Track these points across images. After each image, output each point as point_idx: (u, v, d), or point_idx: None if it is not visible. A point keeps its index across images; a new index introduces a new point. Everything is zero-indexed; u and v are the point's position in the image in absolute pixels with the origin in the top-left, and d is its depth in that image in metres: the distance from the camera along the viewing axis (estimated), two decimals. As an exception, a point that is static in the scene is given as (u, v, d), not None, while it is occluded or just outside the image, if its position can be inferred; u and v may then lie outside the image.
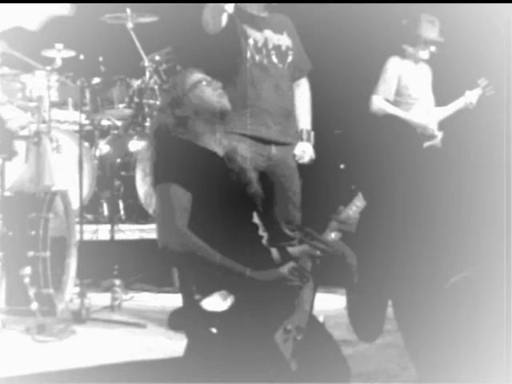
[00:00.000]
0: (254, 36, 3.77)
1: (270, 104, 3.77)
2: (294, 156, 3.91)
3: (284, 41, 3.86)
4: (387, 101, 4.78)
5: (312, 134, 4.00)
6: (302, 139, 3.94)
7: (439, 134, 4.87)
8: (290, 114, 3.90)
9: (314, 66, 4.10)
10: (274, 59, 3.81)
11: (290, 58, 3.86)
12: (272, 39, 3.81)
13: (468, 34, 4.93)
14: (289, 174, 3.90)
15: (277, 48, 3.83)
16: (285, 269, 2.51)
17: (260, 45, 3.78)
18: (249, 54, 3.74)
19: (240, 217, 2.66)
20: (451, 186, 2.39)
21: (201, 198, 2.57)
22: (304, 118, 4.02)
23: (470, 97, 4.90)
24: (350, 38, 5.39)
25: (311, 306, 2.55)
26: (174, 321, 2.52)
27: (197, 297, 2.54)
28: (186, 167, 2.59)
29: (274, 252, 2.70)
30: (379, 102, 4.78)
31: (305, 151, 3.93)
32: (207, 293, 2.53)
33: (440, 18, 4.82)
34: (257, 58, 3.76)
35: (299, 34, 3.99)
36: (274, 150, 3.80)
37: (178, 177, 2.56)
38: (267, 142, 3.78)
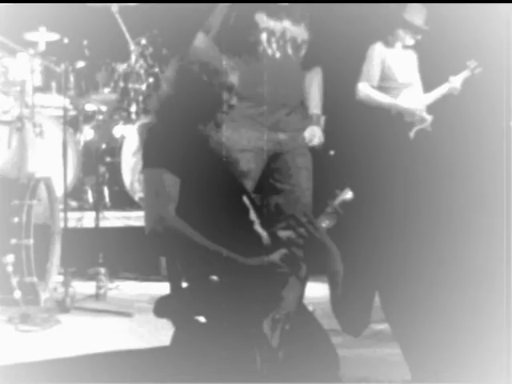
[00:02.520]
0: (272, 26, 3.75)
1: (278, 94, 3.75)
2: (304, 139, 3.95)
3: (300, 33, 3.84)
4: (373, 87, 4.75)
5: (322, 118, 4.05)
6: (312, 123, 4.00)
7: (429, 118, 4.83)
8: (298, 104, 3.91)
9: None
10: (289, 51, 3.81)
11: (303, 51, 3.86)
12: (290, 30, 3.79)
13: (468, 34, 4.89)
14: (301, 161, 3.92)
15: (292, 40, 3.82)
16: (276, 256, 2.47)
17: (278, 35, 3.76)
18: (264, 45, 3.73)
19: (228, 201, 2.61)
20: (442, 180, 2.36)
21: (189, 183, 2.52)
22: (314, 103, 4.07)
23: (454, 82, 4.87)
24: (337, 23, 5.35)
25: (301, 295, 2.50)
26: (160, 308, 2.47)
27: (183, 284, 2.51)
28: (174, 152, 2.53)
29: (265, 237, 2.65)
30: (366, 89, 4.74)
31: (314, 134, 4.00)
32: (194, 279, 2.49)
33: (439, 17, 4.77)
34: (270, 49, 3.75)
35: None
36: (281, 136, 3.81)
37: (166, 161, 2.50)
38: (273, 128, 3.78)
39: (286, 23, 3.79)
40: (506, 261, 2.00)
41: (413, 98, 4.82)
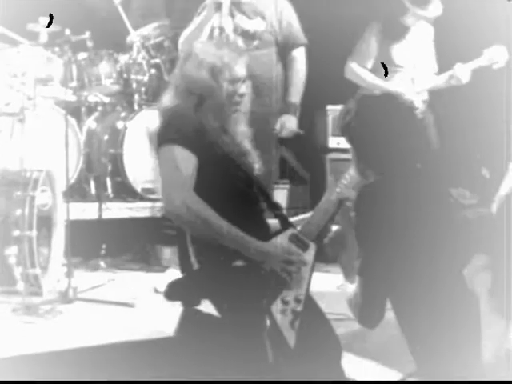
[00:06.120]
0: (222, 24, 4.14)
1: None
2: (273, 130, 4.06)
3: (254, 25, 4.16)
4: (364, 67, 4.63)
5: (297, 106, 4.14)
6: (287, 111, 4.10)
7: (420, 105, 4.61)
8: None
9: (308, 39, 4.34)
10: (239, 42, 4.11)
11: (256, 41, 4.18)
12: (242, 25, 4.17)
13: (467, 34, 4.82)
14: None
15: (245, 33, 4.16)
16: (284, 238, 2.48)
17: (228, 31, 4.16)
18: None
19: (239, 190, 2.62)
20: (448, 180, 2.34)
21: (203, 164, 2.53)
22: (292, 89, 4.24)
23: (458, 71, 4.53)
24: (350, 10, 5.33)
25: (309, 278, 2.51)
26: (172, 291, 2.46)
27: (196, 267, 2.51)
28: (190, 131, 2.56)
29: (274, 221, 2.67)
30: (354, 67, 4.63)
31: (283, 125, 4.09)
32: (208, 261, 2.49)
33: (439, 17, 4.65)
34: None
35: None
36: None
37: (183, 140, 2.52)
38: None
39: (239, 19, 4.17)
40: (506, 260, 1.99)
41: (407, 82, 4.64)
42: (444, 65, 4.70)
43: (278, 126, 4.23)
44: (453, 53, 4.72)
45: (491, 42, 4.44)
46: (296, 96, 4.29)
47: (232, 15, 4.17)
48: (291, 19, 4.31)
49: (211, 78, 2.64)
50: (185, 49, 4.05)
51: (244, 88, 2.71)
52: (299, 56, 4.33)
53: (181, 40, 4.38)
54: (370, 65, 4.64)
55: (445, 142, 4.67)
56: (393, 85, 4.57)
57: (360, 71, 4.62)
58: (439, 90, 4.68)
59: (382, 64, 4.63)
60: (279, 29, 4.25)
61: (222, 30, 4.15)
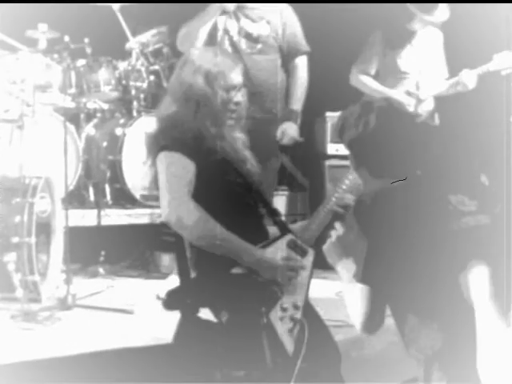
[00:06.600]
0: (228, 26, 4.19)
1: None
2: (275, 137, 4.07)
3: (258, 28, 4.21)
4: (368, 74, 4.63)
5: (298, 114, 4.16)
6: (288, 119, 4.12)
7: (423, 112, 4.59)
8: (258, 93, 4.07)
9: (310, 46, 4.38)
10: (243, 46, 4.17)
11: (259, 45, 4.21)
12: (246, 28, 4.20)
13: (468, 34, 4.82)
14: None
15: (248, 35, 4.18)
16: (283, 244, 2.50)
17: (232, 33, 4.19)
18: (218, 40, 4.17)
19: (237, 196, 2.63)
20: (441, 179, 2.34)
21: (202, 170, 2.55)
22: (294, 97, 4.27)
23: (465, 77, 4.47)
24: (349, 18, 5.34)
25: (308, 284, 2.53)
26: (171, 300, 2.47)
27: (193, 275, 2.52)
28: (189, 138, 2.58)
29: (274, 228, 2.68)
30: (359, 75, 4.64)
31: (284, 132, 4.12)
32: (207, 269, 2.51)
33: (448, 22, 4.64)
34: (223, 45, 4.14)
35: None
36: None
37: (181, 146, 2.53)
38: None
39: (244, 22, 4.20)
40: (506, 267, 2.00)
41: (411, 89, 4.62)
42: (453, 70, 4.68)
43: (279, 134, 4.23)
44: (461, 58, 4.71)
45: (500, 47, 4.43)
46: (297, 103, 4.31)
47: (237, 18, 4.20)
48: (295, 28, 4.34)
49: (206, 84, 2.64)
50: (184, 49, 4.05)
51: (239, 96, 2.69)
52: (301, 64, 4.35)
53: (179, 41, 4.31)
54: (374, 72, 4.65)
55: (446, 149, 4.65)
56: (397, 92, 4.57)
57: (364, 79, 4.63)
58: (444, 96, 4.67)
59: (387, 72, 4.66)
60: (283, 36, 4.28)
61: (226, 31, 4.18)
